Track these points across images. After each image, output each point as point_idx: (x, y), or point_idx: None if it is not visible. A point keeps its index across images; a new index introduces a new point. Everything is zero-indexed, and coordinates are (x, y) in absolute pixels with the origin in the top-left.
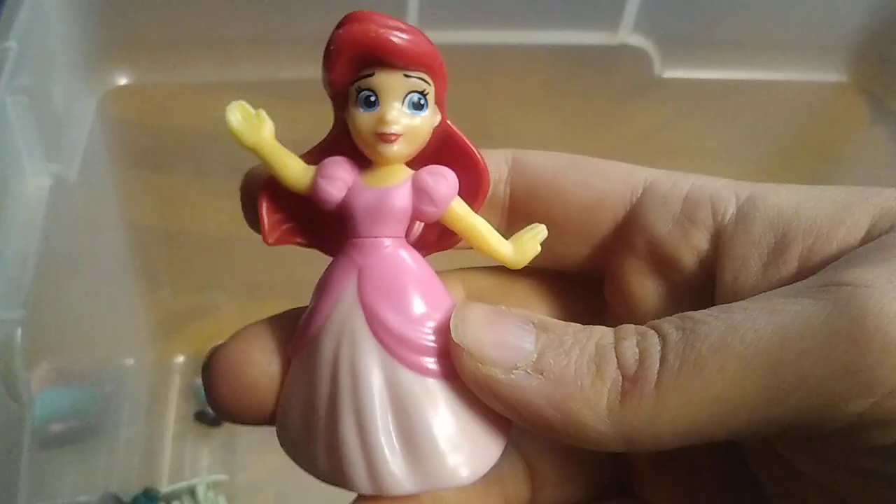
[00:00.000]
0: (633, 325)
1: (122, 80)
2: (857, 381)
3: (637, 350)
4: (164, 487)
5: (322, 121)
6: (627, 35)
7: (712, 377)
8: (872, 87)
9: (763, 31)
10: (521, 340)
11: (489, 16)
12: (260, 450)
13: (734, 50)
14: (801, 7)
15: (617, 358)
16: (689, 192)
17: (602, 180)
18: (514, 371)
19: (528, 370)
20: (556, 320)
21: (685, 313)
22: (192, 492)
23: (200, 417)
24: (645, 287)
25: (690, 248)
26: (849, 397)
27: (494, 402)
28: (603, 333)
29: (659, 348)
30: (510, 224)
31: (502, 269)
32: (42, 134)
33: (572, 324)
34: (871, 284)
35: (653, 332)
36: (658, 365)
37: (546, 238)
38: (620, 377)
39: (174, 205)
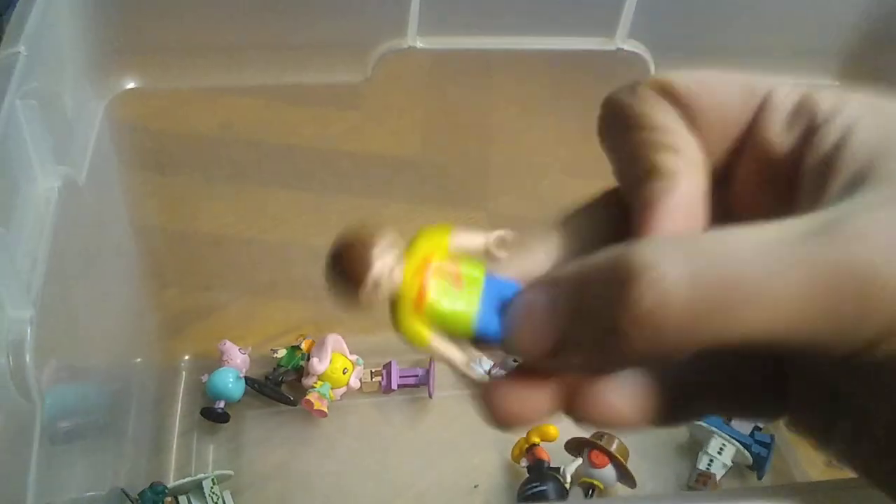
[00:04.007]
0: (640, 250)
1: (130, 85)
2: (851, 333)
3: (652, 288)
4: (171, 482)
5: (325, 124)
6: (623, 41)
7: (728, 313)
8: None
9: (755, 37)
10: (550, 317)
11: (489, 22)
12: (265, 445)
13: (727, 55)
14: (791, 13)
15: (634, 298)
16: (798, 101)
17: (731, 93)
18: (558, 355)
19: (568, 347)
20: (567, 272)
21: (715, 231)
22: (198, 486)
23: (206, 414)
24: (757, 187)
25: (789, 152)
26: (844, 342)
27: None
28: (612, 271)
29: (675, 281)
30: None
31: None
32: (51, 137)
33: (580, 269)
34: (878, 240)
35: (666, 261)
36: (675, 295)
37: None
38: (640, 312)
39: (181, 206)
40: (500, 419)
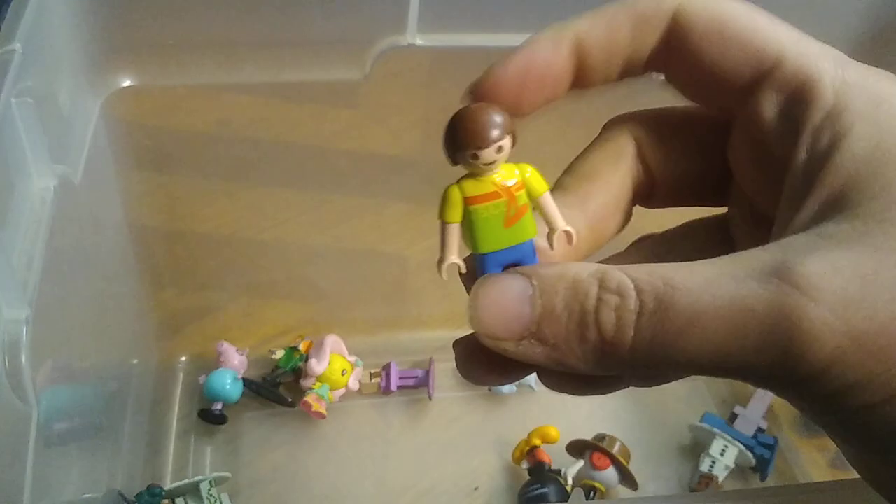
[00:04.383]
0: (616, 279)
1: (126, 82)
2: (784, 370)
3: (615, 317)
4: (168, 484)
5: (323, 122)
6: None
7: (678, 349)
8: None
9: None
10: (523, 308)
11: (489, 20)
12: (263, 447)
13: None
14: (794, 12)
15: (597, 325)
16: (799, 86)
17: (740, 53)
18: (521, 343)
19: (532, 340)
20: (555, 272)
21: (671, 275)
22: (195, 489)
23: (204, 415)
24: (748, 158)
25: (782, 139)
26: (779, 376)
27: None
28: (586, 294)
29: (635, 314)
30: (668, 72)
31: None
32: (47, 135)
33: (565, 276)
34: (815, 294)
35: (633, 293)
36: (633, 332)
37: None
38: (601, 340)
39: (177, 205)
40: (471, 376)
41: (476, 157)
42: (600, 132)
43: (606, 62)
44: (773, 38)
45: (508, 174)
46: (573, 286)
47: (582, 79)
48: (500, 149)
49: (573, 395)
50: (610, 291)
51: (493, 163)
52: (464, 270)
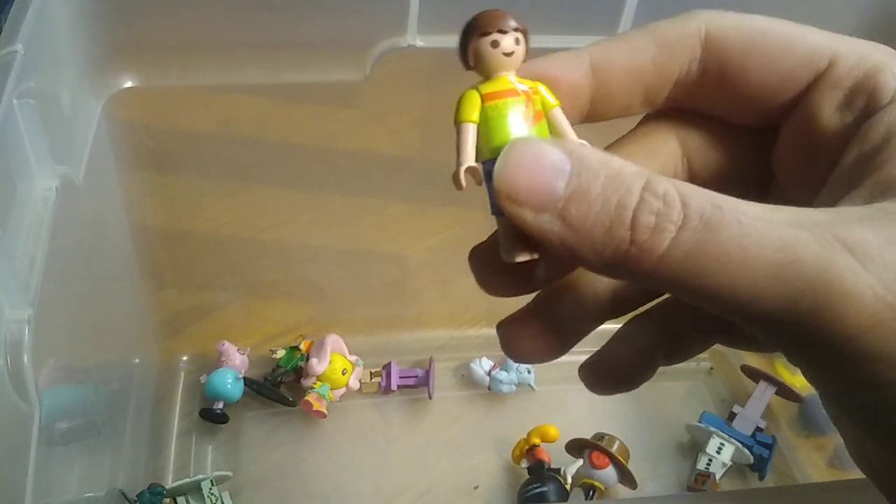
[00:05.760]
0: (663, 185)
1: (128, 83)
2: (808, 326)
3: (654, 220)
4: (170, 483)
5: (324, 122)
6: None
7: (710, 275)
8: None
9: None
10: (555, 181)
11: None
12: (264, 446)
13: None
14: (792, 12)
15: (632, 223)
16: (860, 79)
17: (787, 61)
18: (540, 215)
19: (553, 216)
20: (598, 157)
21: (720, 201)
22: (197, 488)
23: (205, 415)
24: (797, 161)
25: (839, 135)
26: (807, 341)
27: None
28: (629, 188)
29: (676, 227)
30: (696, 98)
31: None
32: (49, 136)
33: (609, 164)
34: (866, 260)
35: (678, 204)
36: (668, 242)
37: None
38: (630, 240)
39: (179, 205)
40: (487, 284)
41: (496, 44)
42: (638, 125)
43: (627, 88)
44: (820, 40)
45: (522, 81)
46: (617, 176)
47: (600, 105)
48: (517, 41)
49: (607, 393)
50: (655, 195)
51: (511, 54)
52: (482, 177)
